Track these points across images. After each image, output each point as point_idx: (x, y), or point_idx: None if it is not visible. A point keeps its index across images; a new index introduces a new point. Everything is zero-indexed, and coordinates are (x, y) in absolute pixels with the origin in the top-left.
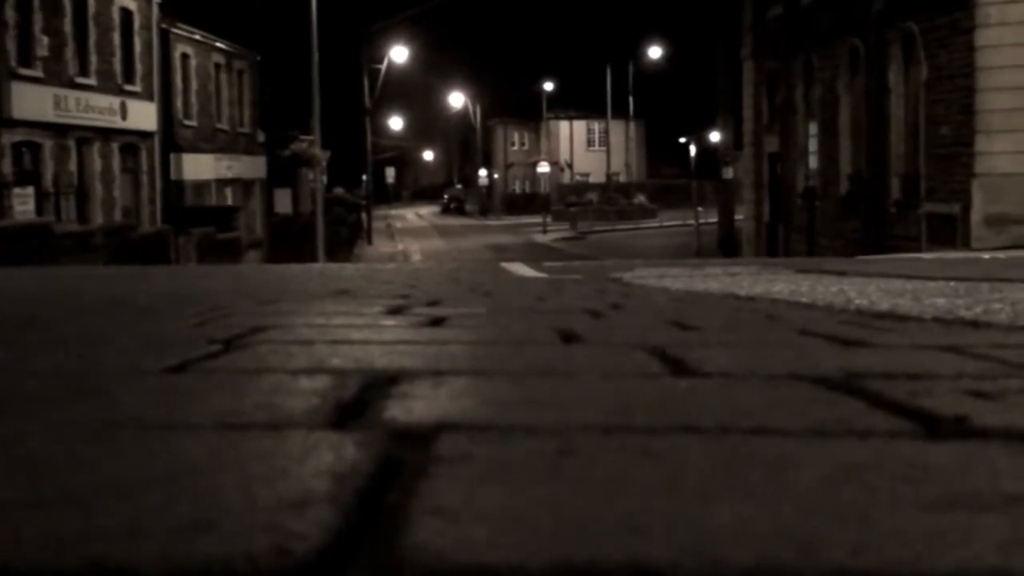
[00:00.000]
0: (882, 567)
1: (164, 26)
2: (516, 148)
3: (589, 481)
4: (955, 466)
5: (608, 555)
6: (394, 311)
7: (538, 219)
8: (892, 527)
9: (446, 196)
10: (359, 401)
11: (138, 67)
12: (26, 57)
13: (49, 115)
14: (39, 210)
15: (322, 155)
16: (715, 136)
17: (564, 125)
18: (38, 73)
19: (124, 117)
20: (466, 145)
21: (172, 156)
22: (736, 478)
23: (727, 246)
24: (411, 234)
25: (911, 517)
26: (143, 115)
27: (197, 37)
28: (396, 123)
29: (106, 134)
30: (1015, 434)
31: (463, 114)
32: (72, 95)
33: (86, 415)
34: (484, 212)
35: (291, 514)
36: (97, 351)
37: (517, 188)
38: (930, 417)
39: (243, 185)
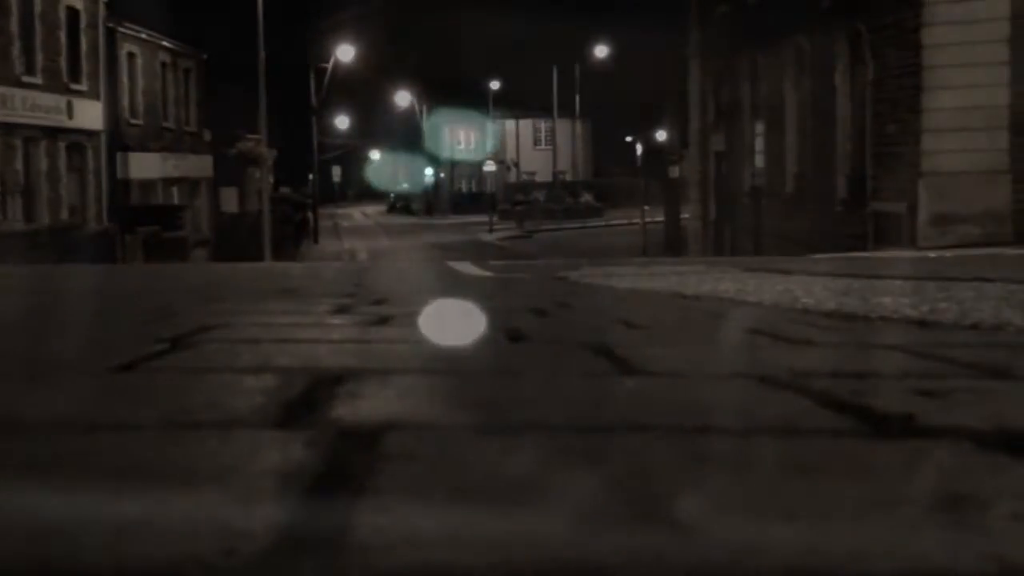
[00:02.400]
0: (828, 567)
1: (110, 25)
2: (462, 147)
3: (536, 481)
4: (901, 465)
5: (555, 554)
6: (341, 310)
7: (484, 218)
8: (838, 527)
9: (392, 195)
10: (306, 400)
11: (84, 66)
12: None
13: None
14: None
15: (268, 154)
16: (661, 135)
17: (510, 124)
18: None
19: (71, 116)
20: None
21: (119, 155)
22: (682, 477)
23: (673, 245)
24: (357, 233)
25: (857, 516)
26: (90, 114)
27: (143, 36)
28: (343, 122)
29: (53, 133)
30: (961, 433)
31: (410, 113)
32: (18, 94)
33: (33, 414)
34: (430, 211)
35: (238, 513)
36: (43, 350)
37: (463, 187)
38: (876, 416)
39: (189, 184)
